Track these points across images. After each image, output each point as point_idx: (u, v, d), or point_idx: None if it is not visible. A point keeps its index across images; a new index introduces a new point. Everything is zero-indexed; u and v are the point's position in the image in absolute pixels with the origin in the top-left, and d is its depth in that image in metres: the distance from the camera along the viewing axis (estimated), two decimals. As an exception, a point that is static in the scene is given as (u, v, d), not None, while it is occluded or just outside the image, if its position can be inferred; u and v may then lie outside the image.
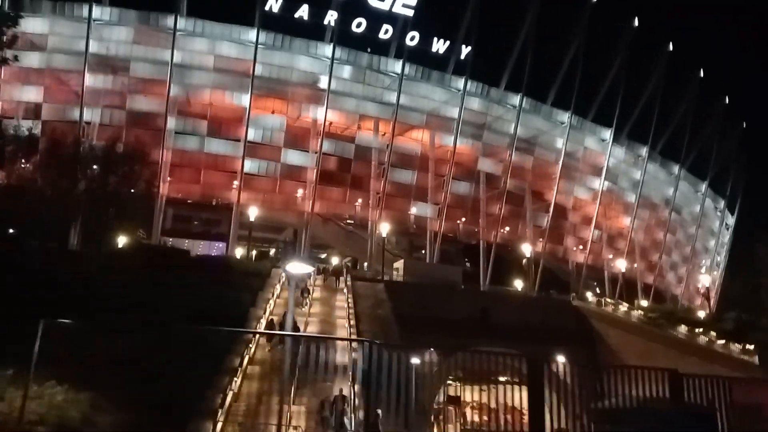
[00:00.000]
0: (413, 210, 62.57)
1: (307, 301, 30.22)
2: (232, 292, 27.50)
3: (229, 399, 16.77)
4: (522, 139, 64.36)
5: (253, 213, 51.29)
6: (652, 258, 75.21)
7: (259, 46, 54.83)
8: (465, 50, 60.13)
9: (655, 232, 76.06)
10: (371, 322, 27.48)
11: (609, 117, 68.94)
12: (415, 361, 12.77)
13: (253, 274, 34.90)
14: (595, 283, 70.41)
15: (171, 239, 59.66)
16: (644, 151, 71.92)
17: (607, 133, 68.89)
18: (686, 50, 70.50)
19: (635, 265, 72.39)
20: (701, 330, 37.82)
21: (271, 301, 27.77)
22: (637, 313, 42.99)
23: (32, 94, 53.43)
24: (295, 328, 19.56)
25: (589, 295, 46.30)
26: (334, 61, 56.58)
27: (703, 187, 79.81)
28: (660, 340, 35.09)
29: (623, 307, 44.45)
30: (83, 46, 52.14)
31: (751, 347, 33.97)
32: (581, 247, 69.17)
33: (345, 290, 33.80)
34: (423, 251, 63.09)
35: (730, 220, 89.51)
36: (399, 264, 50.02)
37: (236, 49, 55.31)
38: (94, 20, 52.55)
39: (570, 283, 65.43)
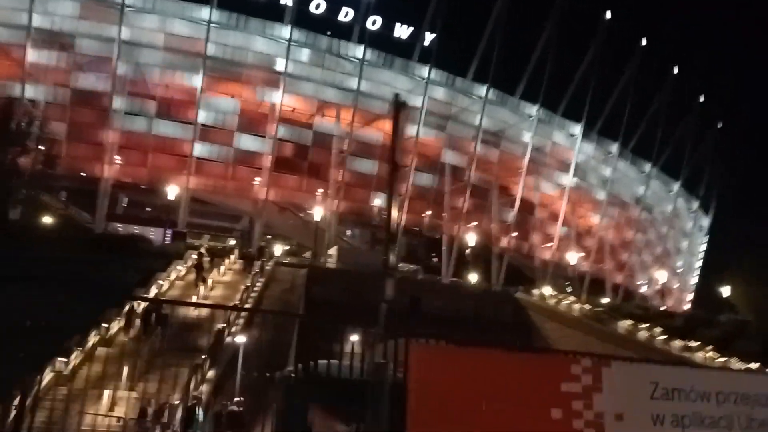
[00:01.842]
0: (376, 201, 60.59)
1: (209, 283, 28.36)
2: (117, 272, 25.43)
3: (47, 381, 14.76)
4: (488, 132, 62.58)
5: (200, 199, 49.23)
6: (621, 257, 73.70)
7: (212, 24, 52.67)
8: (430, 37, 58.39)
9: (625, 230, 74.58)
10: (273, 306, 25.61)
11: (579, 112, 67.43)
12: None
13: (162, 255, 32.85)
14: (564, 281, 68.81)
15: (121, 225, 57.32)
16: (615, 148, 70.37)
17: (577, 128, 67.25)
18: (661, 46, 69.22)
19: (604, 264, 71.05)
20: (647, 326, 36.29)
21: (165, 282, 25.86)
22: (578, 307, 41.40)
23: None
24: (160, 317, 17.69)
25: (536, 290, 44.75)
26: (292, 44, 54.52)
27: (676, 186, 78.36)
28: (597, 335, 33.52)
29: (567, 301, 42.82)
30: (26, 19, 49.75)
31: (695, 344, 32.41)
32: (548, 243, 67.51)
33: (259, 275, 31.84)
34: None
35: (705, 222, 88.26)
36: (333, 250, 48.15)
37: (188, 27, 53.05)
38: (40, -8, 50.16)
39: (536, 280, 63.74)
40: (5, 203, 45.97)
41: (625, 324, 36.37)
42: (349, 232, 68.16)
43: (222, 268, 31.84)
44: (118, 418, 14.50)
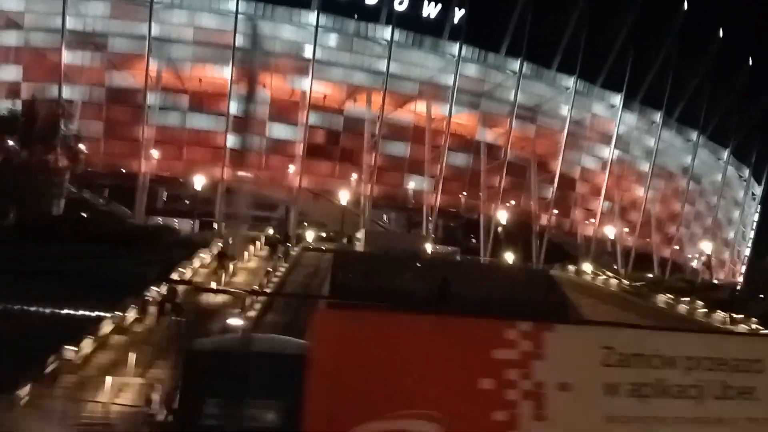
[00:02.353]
0: (410, 184, 60.13)
1: (230, 269, 28.49)
2: (140, 266, 25.60)
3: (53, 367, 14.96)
4: (524, 107, 61.13)
5: (240, 188, 49.49)
6: (669, 230, 71.25)
7: (239, 15, 52.79)
8: (459, 14, 57.25)
9: (672, 203, 72.02)
10: (295, 291, 25.52)
11: (619, 82, 65.11)
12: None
13: (187, 245, 33.11)
14: (609, 257, 66.97)
15: (161, 218, 58.29)
16: (658, 117, 67.79)
17: (617, 99, 65.01)
18: (704, 9, 65.82)
19: (650, 239, 68.89)
20: (688, 299, 34.86)
21: (188, 271, 26.11)
22: (615, 282, 40.11)
23: (12, 73, 52.38)
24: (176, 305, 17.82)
25: (572, 267, 43.61)
26: (319, 29, 54.21)
27: (725, 154, 75.07)
28: (635, 309, 32.27)
29: (603, 276, 41.47)
30: (60, 23, 50.83)
31: (740, 316, 30.89)
32: (591, 219, 65.75)
33: (283, 260, 31.82)
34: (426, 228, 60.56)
35: (758, 190, 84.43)
36: (360, 234, 47.91)
37: (216, 19, 53.31)
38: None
39: (578, 257, 62.16)
40: (47, 199, 47.57)
41: (664, 298, 35.03)
42: (385, 217, 67.73)
43: (246, 254, 32.07)
44: (123, 405, 14.61)
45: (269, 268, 29.39)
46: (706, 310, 32.46)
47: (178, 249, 30.82)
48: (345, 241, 45.81)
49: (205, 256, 29.60)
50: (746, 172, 79.92)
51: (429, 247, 48.15)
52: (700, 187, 74.21)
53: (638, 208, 68.44)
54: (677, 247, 72.34)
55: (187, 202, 62.36)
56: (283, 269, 29.34)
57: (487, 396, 3.75)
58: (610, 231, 65.98)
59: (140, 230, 40.10)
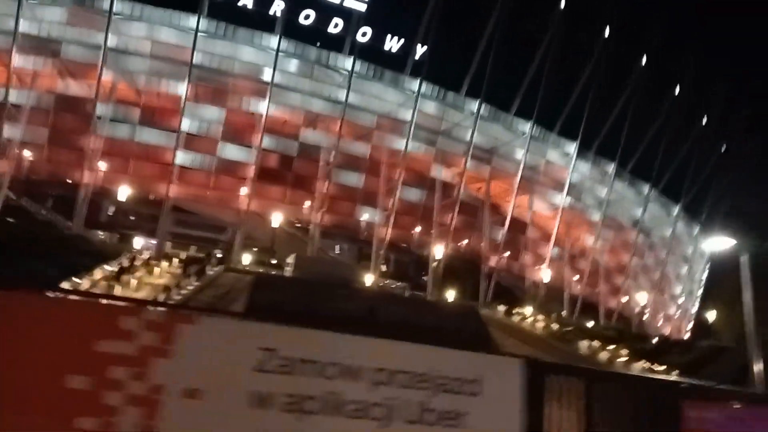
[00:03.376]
0: (363, 216, 59.67)
1: (131, 283, 27.51)
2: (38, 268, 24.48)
3: None
4: (480, 148, 61.50)
5: (187, 206, 48.51)
6: (616, 281, 71.79)
7: (200, 33, 52.43)
8: (421, 50, 57.77)
9: (621, 254, 72.73)
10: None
11: (575, 130, 66.20)
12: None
13: (97, 255, 31.99)
14: (555, 303, 66.99)
15: (102, 233, 56.70)
16: (611, 168, 68.92)
17: (572, 147, 65.98)
18: (662, 65, 67.58)
19: (597, 288, 69.24)
20: (613, 347, 34.77)
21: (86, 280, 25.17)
22: (541, 325, 39.98)
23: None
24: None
25: (501, 307, 43.48)
26: (280, 54, 54.07)
27: (676, 210, 76.49)
28: (556, 353, 32.00)
29: (531, 319, 41.32)
30: (12, 25, 49.73)
31: (662, 368, 30.82)
32: (540, 264, 65.89)
33: (195, 279, 30.89)
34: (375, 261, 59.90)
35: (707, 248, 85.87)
36: (291, 258, 47.11)
37: (176, 35, 52.86)
38: (27, -1, 50.18)
39: (525, 300, 62.06)
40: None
41: (586, 344, 34.91)
42: (337, 248, 67.08)
43: (157, 270, 31.02)
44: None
45: (169, 285, 28.33)
46: (626, 358, 32.34)
47: (85, 257, 29.67)
48: (272, 265, 44.81)
49: (109, 268, 28.55)
50: (696, 229, 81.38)
51: (370, 279, 47.44)
52: (649, 241, 75.21)
53: (587, 256, 68.92)
54: (626, 298, 72.82)
55: (132, 218, 61.11)
56: (191, 287, 28.33)
57: (76, 398, 3.10)
58: (558, 277, 66.20)
59: (59, 237, 38.52)
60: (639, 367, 30.66)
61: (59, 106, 51.46)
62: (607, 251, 70.39)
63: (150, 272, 30.68)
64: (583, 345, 34.75)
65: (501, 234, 63.10)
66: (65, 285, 21.65)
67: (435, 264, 60.07)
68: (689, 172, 74.81)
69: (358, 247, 64.01)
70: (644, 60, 68.70)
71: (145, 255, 33.08)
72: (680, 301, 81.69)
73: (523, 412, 3.98)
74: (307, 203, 57.29)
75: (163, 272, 31.59)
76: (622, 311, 70.42)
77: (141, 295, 26.49)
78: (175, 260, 33.88)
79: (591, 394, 4.48)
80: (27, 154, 52.42)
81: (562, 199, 65.79)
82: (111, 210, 61.20)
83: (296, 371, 3.49)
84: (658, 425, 4.59)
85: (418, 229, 61.70)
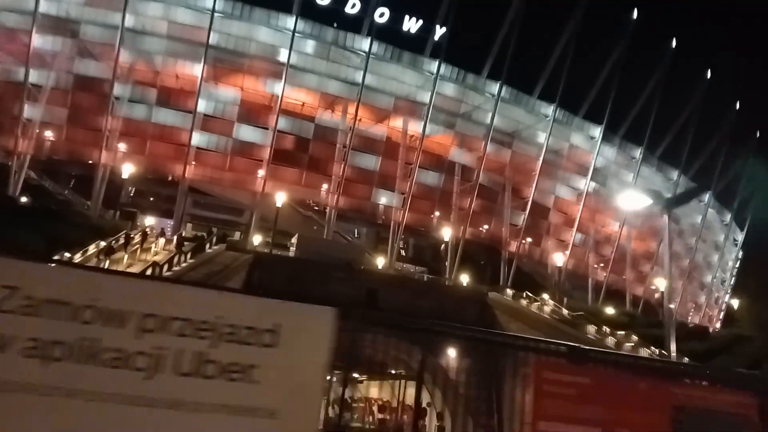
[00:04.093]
0: (380, 199, 59.01)
1: (123, 258, 27.35)
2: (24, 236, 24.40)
3: None
4: (500, 131, 60.19)
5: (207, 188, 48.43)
6: (642, 268, 69.93)
7: (216, 13, 52.12)
8: (440, 31, 56.61)
9: (648, 241, 70.76)
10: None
11: (600, 114, 64.34)
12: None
13: (93, 230, 31.86)
14: (578, 290, 65.64)
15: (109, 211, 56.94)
16: (638, 153, 66.90)
17: (597, 131, 64.15)
18: (693, 47, 65.27)
19: (624, 275, 67.61)
20: (623, 333, 33.63)
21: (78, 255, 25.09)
22: (548, 309, 38.88)
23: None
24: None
25: (509, 291, 42.53)
26: (297, 35, 53.49)
27: (706, 197, 73.97)
28: (560, 337, 31.00)
29: (540, 303, 40.24)
30: (32, 5, 50.08)
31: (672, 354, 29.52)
32: (562, 250, 64.42)
33: (188, 255, 30.58)
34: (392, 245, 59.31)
35: (739, 236, 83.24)
36: (294, 239, 46.67)
37: (192, 15, 52.63)
38: (47, -21, 50.38)
39: (547, 287, 60.81)
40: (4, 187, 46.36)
41: (593, 329, 33.80)
42: (356, 231, 66.58)
43: (153, 248, 30.85)
44: None
45: (159, 262, 28.08)
46: (632, 344, 31.18)
47: (80, 231, 29.61)
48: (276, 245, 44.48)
49: (104, 243, 28.46)
50: (728, 217, 78.85)
51: (382, 262, 46.84)
52: (678, 227, 72.95)
53: (612, 243, 67.22)
54: (653, 287, 70.89)
55: (152, 198, 61.48)
56: (185, 264, 28.08)
57: None
58: (582, 264, 64.81)
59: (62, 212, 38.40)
60: (646, 353, 29.57)
61: (77, 86, 51.71)
62: (633, 238, 68.48)
63: (146, 250, 30.61)
64: (590, 329, 33.68)
65: (522, 219, 61.84)
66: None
67: (449, 248, 59.13)
68: (720, 158, 72.26)
69: (376, 231, 63.42)
70: (674, 42, 66.41)
71: (149, 232, 33.17)
72: (711, 289, 79.35)
73: (329, 365, 3.30)
74: (324, 186, 56.92)
75: (160, 250, 31.51)
76: (648, 298, 68.51)
77: (135, 268, 26.49)
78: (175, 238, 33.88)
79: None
80: (47, 134, 52.85)
81: (586, 183, 64.13)
82: (131, 190, 61.55)
83: (43, 313, 2.89)
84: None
85: (436, 213, 60.87)
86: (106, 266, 24.46)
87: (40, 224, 26.87)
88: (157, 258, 29.69)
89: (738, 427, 4.24)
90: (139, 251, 29.60)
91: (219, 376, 3.28)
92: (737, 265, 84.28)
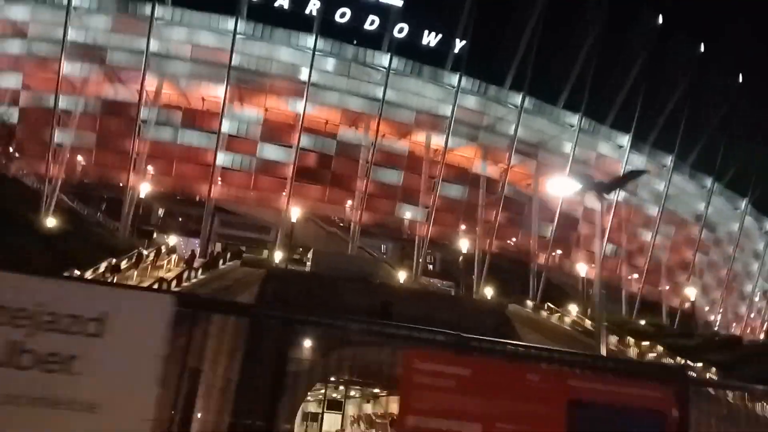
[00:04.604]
0: (405, 214, 58.82)
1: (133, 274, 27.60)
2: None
3: None
4: (525, 142, 59.54)
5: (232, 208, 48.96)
6: (678, 279, 67.93)
7: (238, 35, 53.04)
8: (459, 44, 56.50)
9: (684, 251, 68.80)
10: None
11: (628, 122, 63.13)
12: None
13: (109, 249, 32.30)
14: (610, 302, 63.99)
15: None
16: (669, 160, 65.31)
17: (625, 140, 62.94)
18: (723, 50, 63.59)
19: (659, 286, 65.79)
20: (648, 344, 32.49)
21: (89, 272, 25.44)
22: (569, 321, 37.85)
23: (12, 80, 53.44)
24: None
25: (530, 302, 41.64)
26: (317, 53, 54.03)
27: (743, 204, 71.72)
28: (578, 348, 30.17)
29: (558, 314, 39.24)
30: (62, 34, 51.71)
31: (698, 365, 28.44)
32: (593, 262, 62.93)
33: (201, 271, 30.74)
34: (417, 260, 58.98)
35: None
36: (310, 254, 46.63)
37: (214, 38, 53.64)
38: (74, 7, 52.04)
39: (578, 299, 59.50)
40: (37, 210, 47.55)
41: (614, 339, 32.77)
42: (383, 247, 66.37)
43: (166, 264, 31.19)
44: None
45: (168, 278, 28.29)
46: (654, 354, 30.12)
47: (94, 250, 30.11)
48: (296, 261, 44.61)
49: (114, 260, 28.88)
50: (767, 224, 76.21)
51: (403, 277, 46.55)
52: (714, 236, 70.87)
53: (645, 253, 65.52)
54: (691, 297, 68.69)
55: (180, 219, 62.38)
56: (195, 280, 28.26)
57: None
58: (614, 276, 63.27)
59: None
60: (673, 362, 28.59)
61: (105, 110, 53.06)
62: (666, 247, 66.69)
63: (159, 267, 31.03)
64: (612, 340, 32.70)
65: (551, 231, 60.85)
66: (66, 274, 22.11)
67: (476, 262, 58.40)
68: (756, 164, 69.93)
69: (401, 246, 63.12)
70: (702, 47, 64.93)
71: (164, 250, 33.65)
72: (753, 299, 76.60)
73: (163, 355, 3.12)
74: (348, 202, 57.06)
75: (173, 267, 31.88)
76: (685, 310, 66.31)
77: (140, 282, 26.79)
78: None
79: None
80: (77, 158, 54.19)
81: (615, 193, 62.66)
82: (160, 212, 62.63)
83: None
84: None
85: (462, 227, 60.34)
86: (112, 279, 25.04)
87: (55, 244, 27.52)
88: (168, 275, 30.05)
89: (649, 423, 3.89)
90: (150, 268, 30.03)
91: (33, 366, 3.14)
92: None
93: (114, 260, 28.98)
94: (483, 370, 3.83)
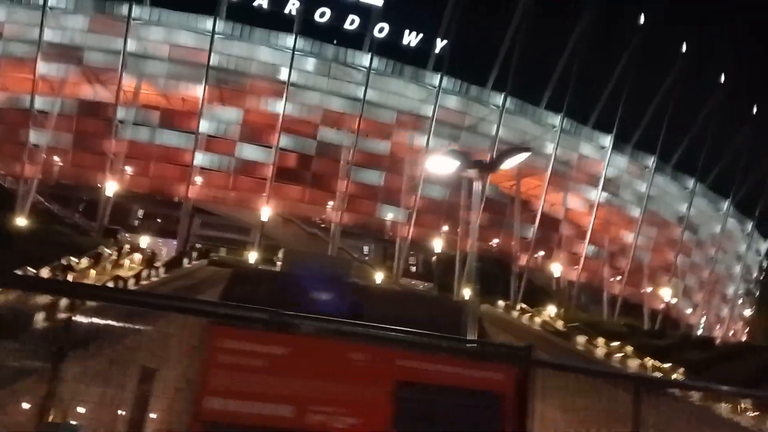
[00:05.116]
0: (386, 215, 58.53)
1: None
2: None
3: None
4: (507, 143, 59.21)
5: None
6: (660, 281, 67.88)
7: (216, 35, 52.65)
8: (440, 44, 56.33)
9: (665, 252, 68.81)
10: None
11: (610, 123, 63.08)
12: None
13: (73, 248, 31.84)
14: (591, 304, 64.12)
15: (128, 234, 57.46)
16: (651, 161, 65.33)
17: (607, 140, 62.91)
18: (707, 51, 63.61)
19: (640, 288, 65.74)
20: (617, 344, 32.33)
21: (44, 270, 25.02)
22: (539, 321, 37.69)
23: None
24: None
25: (501, 302, 41.27)
26: (297, 53, 53.73)
27: (725, 205, 71.81)
28: (547, 349, 29.99)
29: (530, 314, 39.07)
30: (37, 34, 51.14)
31: (666, 365, 28.25)
32: (574, 263, 62.97)
33: (162, 270, 30.34)
34: (398, 261, 58.75)
35: (763, 246, 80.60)
36: (281, 253, 46.27)
37: (193, 38, 53.22)
38: (50, 8, 51.47)
39: (559, 301, 59.34)
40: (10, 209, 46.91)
41: (582, 340, 32.57)
42: (365, 248, 66.07)
43: (127, 262, 30.73)
44: None
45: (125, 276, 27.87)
46: (621, 354, 29.92)
47: (58, 250, 29.66)
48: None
49: (75, 260, 28.49)
50: (749, 226, 76.34)
51: (380, 277, 46.21)
52: (696, 238, 70.92)
53: (627, 254, 65.47)
54: (674, 299, 68.75)
55: (159, 221, 61.82)
56: (155, 279, 27.88)
57: None
58: (595, 277, 63.31)
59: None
60: (634, 364, 28.28)
61: (82, 111, 52.52)
62: (648, 249, 66.66)
63: (121, 266, 30.61)
64: (579, 341, 32.50)
65: (532, 232, 60.74)
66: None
67: (457, 262, 58.12)
68: (740, 165, 70.07)
69: (383, 247, 62.82)
70: (684, 47, 64.93)
71: (125, 249, 33.24)
72: (735, 301, 76.74)
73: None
74: (330, 203, 56.70)
75: (136, 266, 31.44)
76: (667, 311, 66.31)
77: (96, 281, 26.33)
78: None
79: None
80: (53, 158, 53.58)
81: (597, 194, 62.79)
82: (139, 213, 62.11)
83: None
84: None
85: (444, 228, 60.12)
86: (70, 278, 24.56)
87: (19, 244, 27.02)
88: (126, 273, 29.65)
89: (485, 404, 3.65)
90: (110, 267, 29.59)
91: None
92: (762, 277, 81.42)
93: (69, 259, 28.51)
94: (301, 350, 3.57)
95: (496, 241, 61.68)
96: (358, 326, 4.06)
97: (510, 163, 18.99)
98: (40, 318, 8.80)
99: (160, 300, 3.98)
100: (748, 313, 78.53)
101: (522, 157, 18.59)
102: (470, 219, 58.55)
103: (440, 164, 18.83)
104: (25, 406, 4.09)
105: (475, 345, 4.14)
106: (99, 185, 53.75)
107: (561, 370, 4.35)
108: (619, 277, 65.99)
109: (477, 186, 19.08)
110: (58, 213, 53.89)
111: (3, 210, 46.45)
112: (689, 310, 70.33)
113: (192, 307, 3.92)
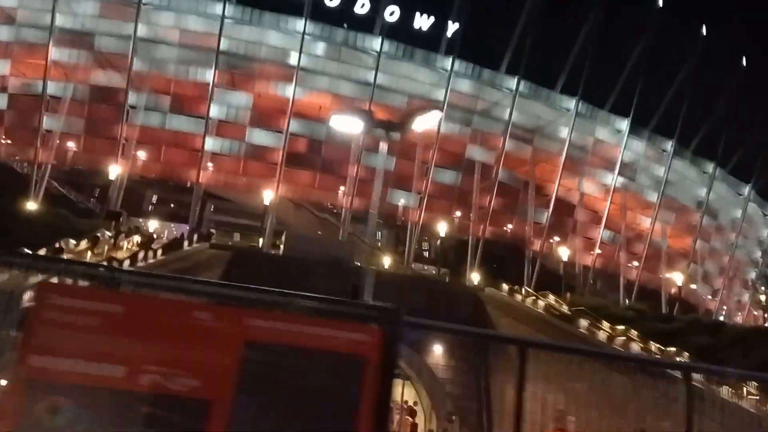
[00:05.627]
0: (398, 201, 58.18)
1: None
2: None
3: None
4: (520, 127, 58.55)
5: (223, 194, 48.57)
6: (678, 267, 66.64)
7: (226, 20, 52.45)
8: (452, 27, 55.53)
9: (684, 237, 67.56)
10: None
11: (627, 106, 61.85)
12: None
13: (76, 232, 31.94)
14: (608, 290, 63.18)
15: (141, 219, 57.87)
16: (669, 145, 63.98)
17: (624, 124, 61.69)
18: (727, 33, 62.07)
19: (657, 274, 64.64)
20: (623, 328, 31.73)
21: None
22: (542, 305, 37.08)
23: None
24: None
25: (505, 286, 40.90)
26: (306, 37, 53.35)
27: (746, 189, 70.24)
28: (549, 332, 29.53)
29: (534, 297, 38.52)
30: (49, 20, 51.38)
31: (671, 349, 27.64)
32: (590, 249, 62.12)
33: (158, 252, 30.31)
34: (409, 246, 58.38)
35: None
36: (283, 237, 46.16)
37: (203, 23, 53.08)
38: (61, -7, 51.60)
39: (575, 287, 58.61)
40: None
41: (585, 323, 32.00)
42: (379, 234, 65.77)
43: (125, 244, 30.83)
44: None
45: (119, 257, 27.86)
46: (624, 338, 29.32)
47: (57, 233, 29.77)
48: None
49: (73, 241, 28.61)
50: (771, 211, 74.67)
51: (387, 261, 45.92)
52: (716, 223, 69.50)
53: (644, 240, 64.38)
54: (693, 285, 67.58)
55: (172, 206, 62.18)
56: (152, 261, 27.88)
57: None
58: (611, 263, 62.38)
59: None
60: (636, 348, 27.76)
61: (94, 96, 52.77)
62: (666, 234, 65.47)
63: (119, 248, 30.74)
64: (582, 324, 31.94)
65: (546, 217, 59.95)
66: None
67: (470, 248, 57.67)
68: (762, 150, 68.34)
69: (396, 233, 62.57)
70: (704, 28, 63.36)
71: (124, 232, 33.51)
72: (757, 287, 75.32)
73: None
74: (341, 188, 56.49)
75: (133, 248, 31.54)
76: (685, 297, 65.07)
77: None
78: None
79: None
80: (66, 144, 53.98)
81: (613, 179, 61.71)
82: (152, 198, 62.52)
83: None
84: None
85: (457, 213, 59.69)
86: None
87: (18, 228, 27.21)
88: (121, 255, 29.74)
89: (345, 367, 3.35)
90: (108, 250, 29.71)
91: None
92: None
93: (68, 242, 28.66)
94: (138, 309, 3.27)
95: (509, 226, 61.12)
96: (206, 285, 3.76)
97: (420, 124, 18.31)
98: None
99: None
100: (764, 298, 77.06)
101: (434, 117, 17.74)
102: (482, 204, 58.40)
103: (345, 123, 18.18)
104: None
105: (343, 306, 3.69)
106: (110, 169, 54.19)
107: (430, 330, 4.02)
108: (635, 263, 65.02)
109: (383, 147, 18.28)
110: (73, 198, 54.38)
111: (17, 195, 47.06)
112: (708, 296, 69.09)
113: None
